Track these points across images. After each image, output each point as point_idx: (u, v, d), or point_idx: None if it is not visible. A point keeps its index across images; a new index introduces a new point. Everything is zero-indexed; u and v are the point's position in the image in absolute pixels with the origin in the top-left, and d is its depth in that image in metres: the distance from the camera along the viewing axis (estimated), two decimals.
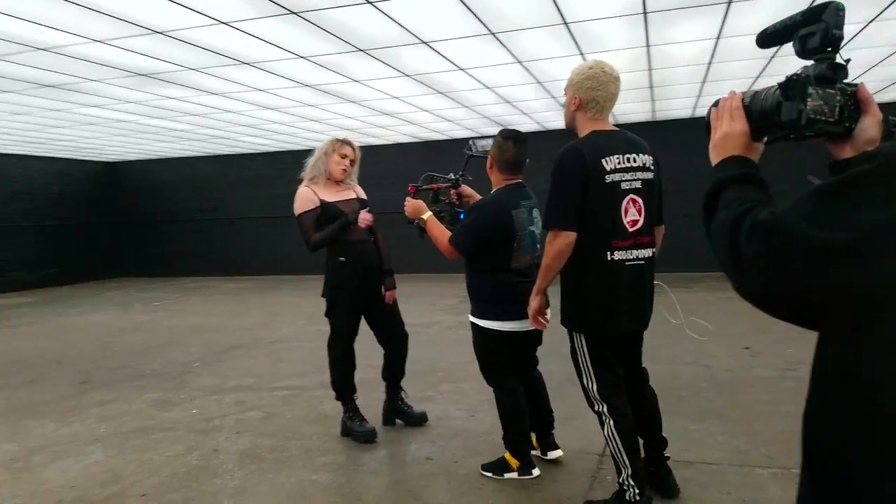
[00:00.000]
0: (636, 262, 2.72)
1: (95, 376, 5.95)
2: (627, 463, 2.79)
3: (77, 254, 14.82)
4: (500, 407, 3.40)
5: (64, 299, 11.93)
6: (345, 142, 3.97)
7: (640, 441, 3.00)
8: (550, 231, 2.70)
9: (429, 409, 4.39)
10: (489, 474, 3.39)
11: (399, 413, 4.24)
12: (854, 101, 1.09)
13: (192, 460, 3.81)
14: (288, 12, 4.93)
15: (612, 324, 2.76)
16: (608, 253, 2.66)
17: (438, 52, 6.28)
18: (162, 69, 6.55)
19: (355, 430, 3.99)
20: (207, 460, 3.79)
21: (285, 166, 13.47)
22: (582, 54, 6.57)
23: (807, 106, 1.06)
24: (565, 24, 5.49)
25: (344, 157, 3.94)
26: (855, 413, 0.88)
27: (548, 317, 3.04)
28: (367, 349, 4.24)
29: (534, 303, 2.92)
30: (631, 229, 2.68)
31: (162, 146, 13.14)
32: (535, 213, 3.31)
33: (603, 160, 2.64)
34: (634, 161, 2.69)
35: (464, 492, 3.25)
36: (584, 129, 2.79)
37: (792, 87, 1.09)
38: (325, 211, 3.88)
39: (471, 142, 3.55)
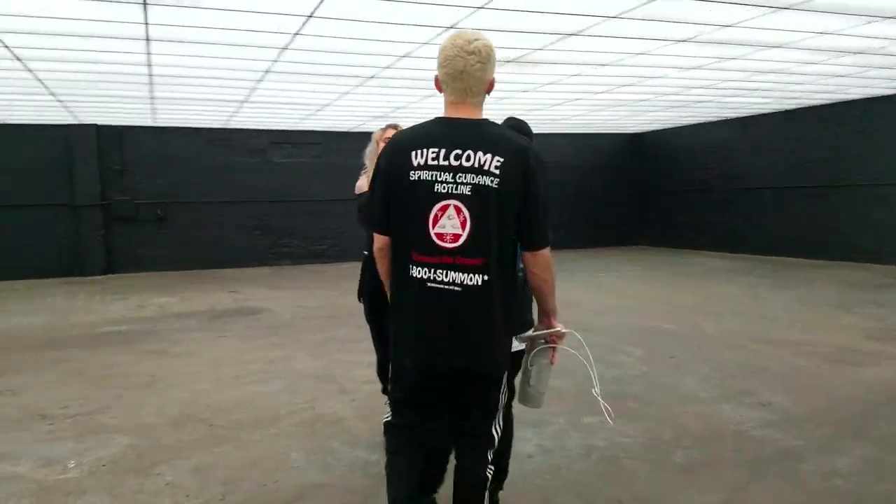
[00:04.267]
0: (448, 288, 2.21)
1: None
2: None
3: (592, 221, 16.55)
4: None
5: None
6: (389, 126, 3.89)
7: None
8: None
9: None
10: None
11: None
12: None
13: (315, 406, 4.63)
14: None
15: (399, 351, 2.38)
16: (410, 266, 2.26)
17: None
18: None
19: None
20: (320, 411, 4.50)
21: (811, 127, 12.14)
22: None
23: None
24: None
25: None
26: None
27: None
28: None
29: None
30: (447, 244, 2.19)
31: (672, 114, 13.48)
32: None
33: (413, 153, 2.22)
34: (467, 160, 2.17)
35: None
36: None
37: None
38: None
39: None
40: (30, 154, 12.00)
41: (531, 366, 2.47)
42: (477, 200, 2.16)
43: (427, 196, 2.20)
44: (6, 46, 6.45)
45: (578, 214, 16.41)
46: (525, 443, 3.89)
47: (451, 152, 2.18)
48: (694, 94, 11.07)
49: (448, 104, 2.30)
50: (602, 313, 7.81)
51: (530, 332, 2.49)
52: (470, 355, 2.26)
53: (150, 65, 7.46)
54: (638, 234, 16.92)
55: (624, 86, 10.04)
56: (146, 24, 5.85)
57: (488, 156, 2.16)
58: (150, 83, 8.56)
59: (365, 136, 4.33)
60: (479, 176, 2.16)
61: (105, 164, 12.58)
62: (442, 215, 2.19)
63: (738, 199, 14.30)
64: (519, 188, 2.18)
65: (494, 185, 2.16)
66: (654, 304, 8.45)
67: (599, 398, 2.60)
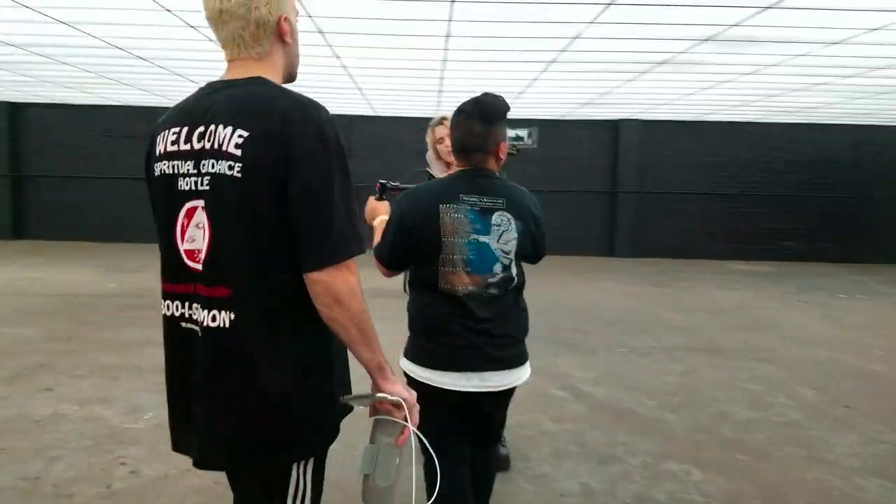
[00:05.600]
0: (189, 328, 1.52)
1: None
2: None
3: (860, 230, 14.06)
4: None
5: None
6: (439, 122, 3.55)
7: None
8: None
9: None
10: None
11: None
12: None
13: None
14: None
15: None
16: (162, 302, 1.59)
17: None
18: None
19: None
20: None
21: None
22: None
23: None
24: None
25: (441, 140, 3.54)
26: None
27: None
28: None
29: None
30: (190, 263, 1.51)
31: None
32: (499, 217, 2.34)
33: (158, 137, 1.59)
34: (209, 140, 1.48)
35: None
36: None
37: None
38: None
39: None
40: None
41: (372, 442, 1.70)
42: (216, 200, 1.46)
43: (170, 196, 1.53)
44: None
45: (838, 220, 14.08)
46: (572, 479, 3.41)
47: (194, 131, 1.50)
48: None
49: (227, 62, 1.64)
50: (800, 342, 6.57)
51: (361, 394, 1.66)
52: (217, 438, 1.50)
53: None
54: None
55: (878, 68, 8.30)
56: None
57: (228, 130, 1.44)
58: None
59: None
60: (219, 161, 1.44)
61: None
62: (189, 223, 1.50)
63: None
64: (276, 175, 1.42)
65: (236, 174, 1.42)
66: (882, 339, 6.88)
67: None
